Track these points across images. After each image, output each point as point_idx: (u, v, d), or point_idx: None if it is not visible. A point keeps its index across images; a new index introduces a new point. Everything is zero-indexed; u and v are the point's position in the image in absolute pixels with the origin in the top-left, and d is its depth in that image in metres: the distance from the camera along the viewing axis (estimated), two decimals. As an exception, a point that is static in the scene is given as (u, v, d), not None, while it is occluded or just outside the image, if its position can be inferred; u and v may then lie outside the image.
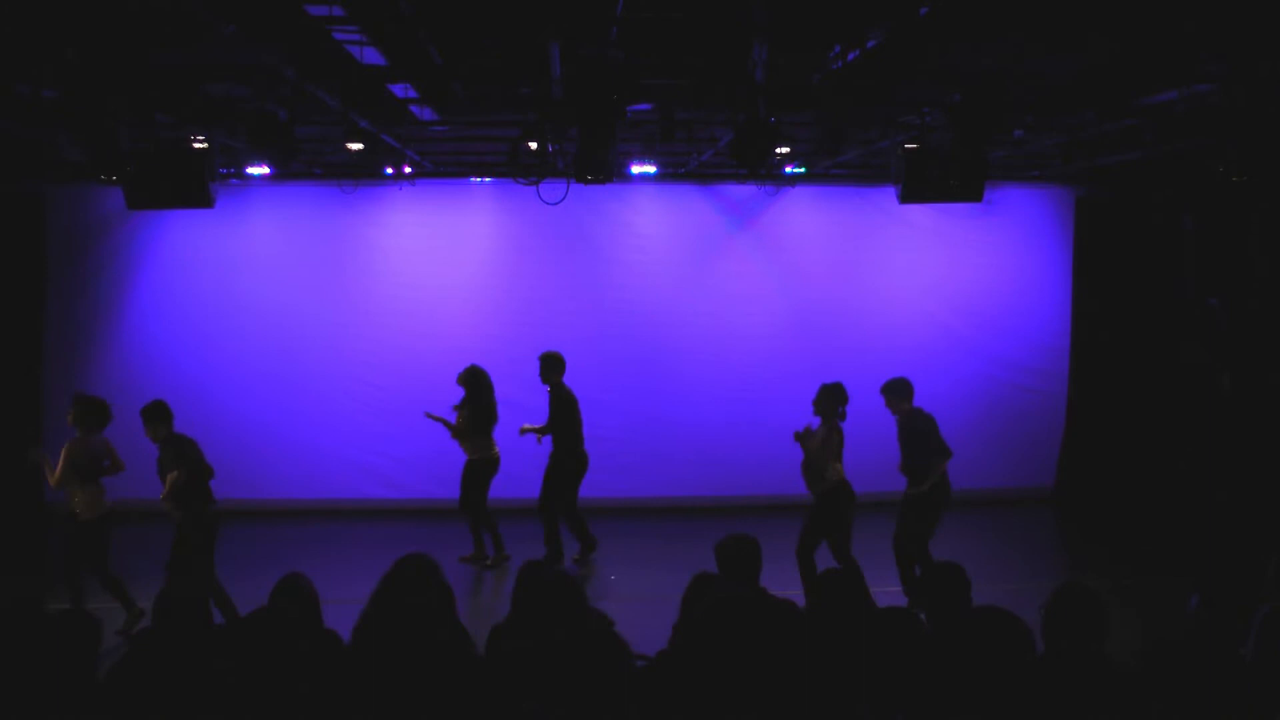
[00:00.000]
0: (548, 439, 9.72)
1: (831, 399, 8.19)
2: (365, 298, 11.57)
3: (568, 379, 9.69)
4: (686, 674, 3.76)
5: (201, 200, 7.84)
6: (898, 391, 8.30)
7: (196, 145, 8.14)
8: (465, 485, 9.71)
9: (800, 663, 3.77)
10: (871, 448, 9.58)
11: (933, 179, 8.01)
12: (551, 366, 9.60)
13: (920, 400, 8.40)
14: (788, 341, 11.75)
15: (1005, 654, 3.66)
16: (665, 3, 5.83)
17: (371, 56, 6.74)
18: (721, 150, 9.06)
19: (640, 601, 8.70)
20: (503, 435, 9.87)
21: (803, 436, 8.18)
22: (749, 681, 3.63)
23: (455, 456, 9.90)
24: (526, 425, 9.74)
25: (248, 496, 11.39)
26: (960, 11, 5.33)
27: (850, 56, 6.23)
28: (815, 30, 6.21)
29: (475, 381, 9.68)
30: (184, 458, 7.61)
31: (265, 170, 10.18)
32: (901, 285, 11.84)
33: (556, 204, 8.69)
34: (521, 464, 10.17)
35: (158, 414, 7.72)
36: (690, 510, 11.34)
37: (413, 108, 8.28)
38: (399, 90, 7.76)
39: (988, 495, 11.64)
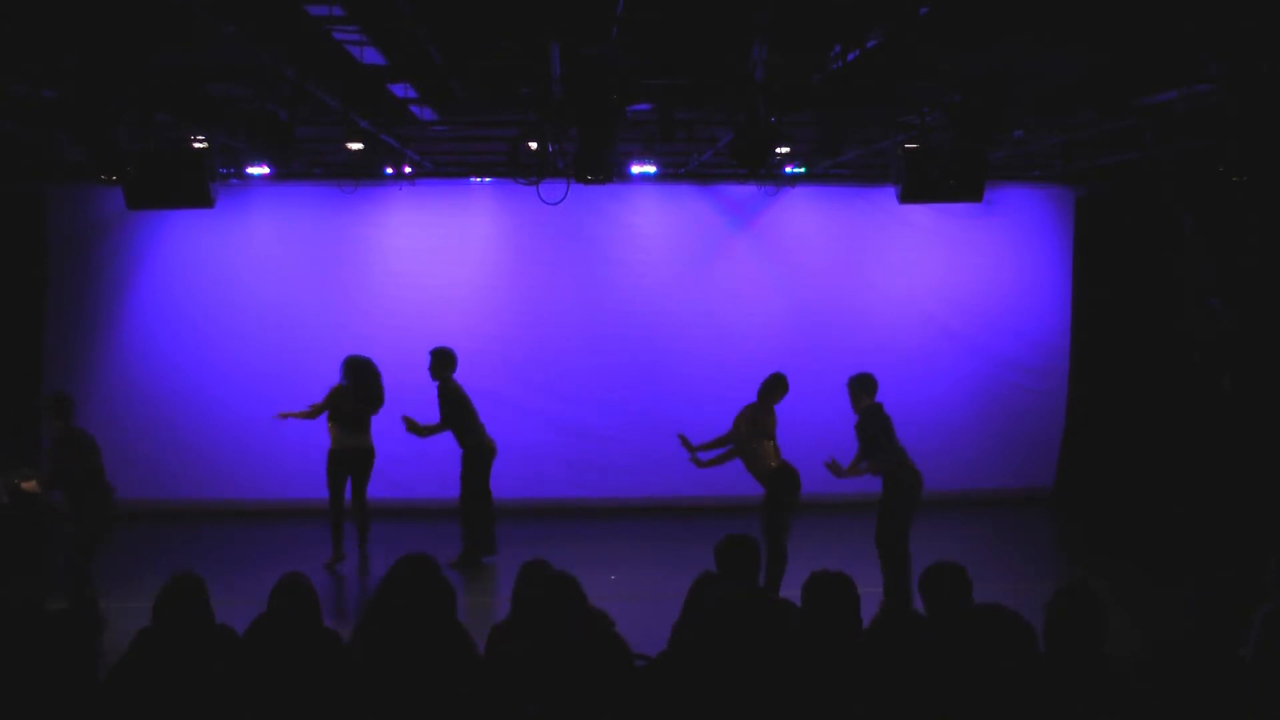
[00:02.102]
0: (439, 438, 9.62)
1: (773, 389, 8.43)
2: (365, 298, 11.56)
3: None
4: (687, 674, 3.77)
5: (201, 200, 7.84)
6: (863, 385, 8.26)
7: (196, 145, 8.14)
8: (358, 481, 9.64)
9: (799, 662, 3.77)
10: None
11: (933, 179, 8.01)
12: (442, 363, 9.52)
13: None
14: (788, 341, 11.73)
15: (1007, 653, 3.66)
16: (665, 3, 5.83)
17: (371, 56, 6.74)
18: (721, 150, 9.06)
19: (640, 601, 8.70)
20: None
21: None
22: (749, 681, 3.63)
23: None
24: (413, 423, 9.54)
25: (248, 497, 11.40)
26: (960, 12, 5.33)
27: (850, 56, 6.22)
28: (815, 30, 6.21)
29: (360, 371, 9.62)
30: (88, 455, 7.48)
31: (265, 170, 10.18)
32: (901, 285, 11.83)
33: (556, 204, 8.69)
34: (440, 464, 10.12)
35: (60, 406, 7.58)
36: (690, 510, 11.33)
37: (413, 108, 8.28)
38: (399, 90, 7.76)
39: (988, 495, 11.63)
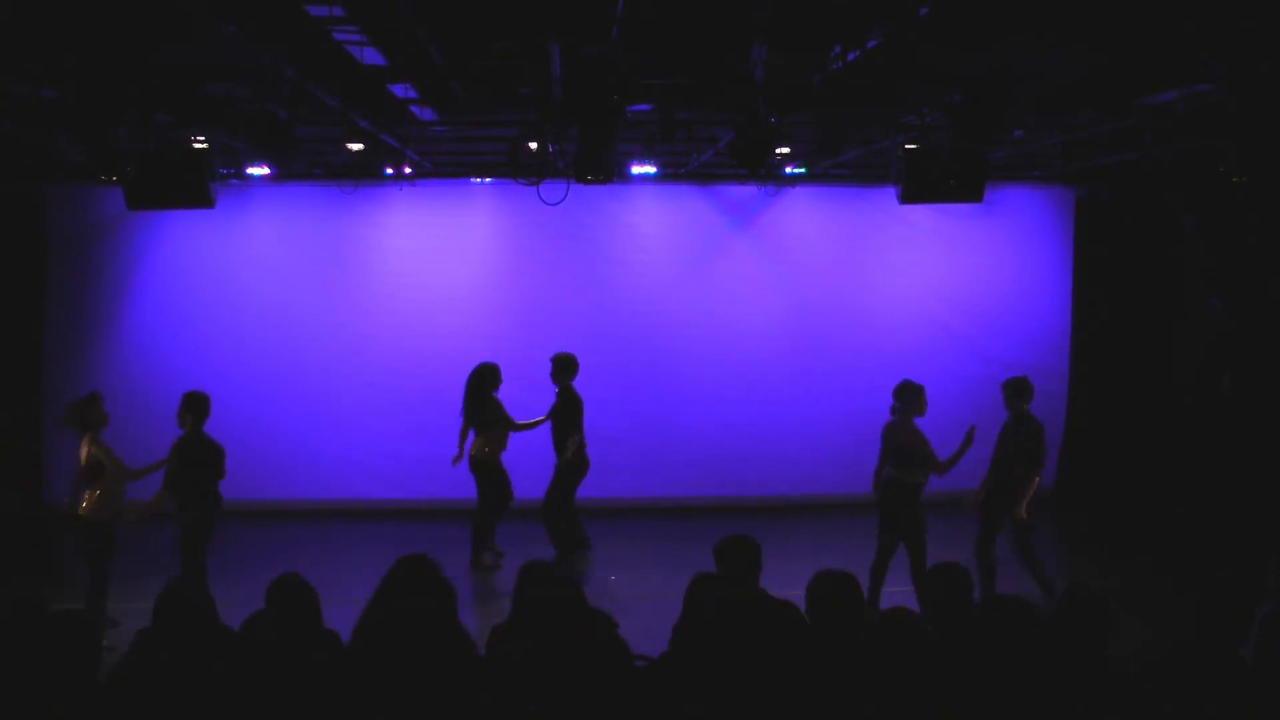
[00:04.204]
0: (545, 440, 9.67)
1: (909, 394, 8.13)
2: (365, 298, 11.57)
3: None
4: (687, 675, 3.77)
5: (201, 200, 7.84)
6: (1018, 390, 8.13)
7: (196, 145, 8.14)
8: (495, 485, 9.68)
9: (801, 663, 3.77)
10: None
11: (933, 179, 8.00)
12: (564, 368, 9.55)
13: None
14: (788, 341, 11.75)
15: (1009, 653, 3.66)
16: (665, 3, 5.83)
17: (371, 56, 6.74)
18: (721, 150, 9.06)
19: (640, 601, 8.69)
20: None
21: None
22: (750, 682, 3.63)
23: (450, 459, 9.86)
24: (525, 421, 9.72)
25: (248, 497, 11.36)
26: (960, 12, 5.33)
27: (850, 56, 6.22)
28: (815, 30, 6.21)
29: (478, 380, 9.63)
30: (212, 458, 7.64)
31: (265, 170, 10.18)
32: (902, 285, 11.84)
33: (556, 204, 8.69)
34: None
35: (197, 405, 7.73)
36: (691, 510, 11.34)
37: (413, 108, 8.28)
38: (399, 90, 7.76)
39: (988, 495, 11.63)
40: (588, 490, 10.60)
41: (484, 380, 9.60)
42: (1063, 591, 3.87)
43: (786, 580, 5.05)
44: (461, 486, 10.50)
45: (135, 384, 11.16)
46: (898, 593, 8.05)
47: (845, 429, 11.65)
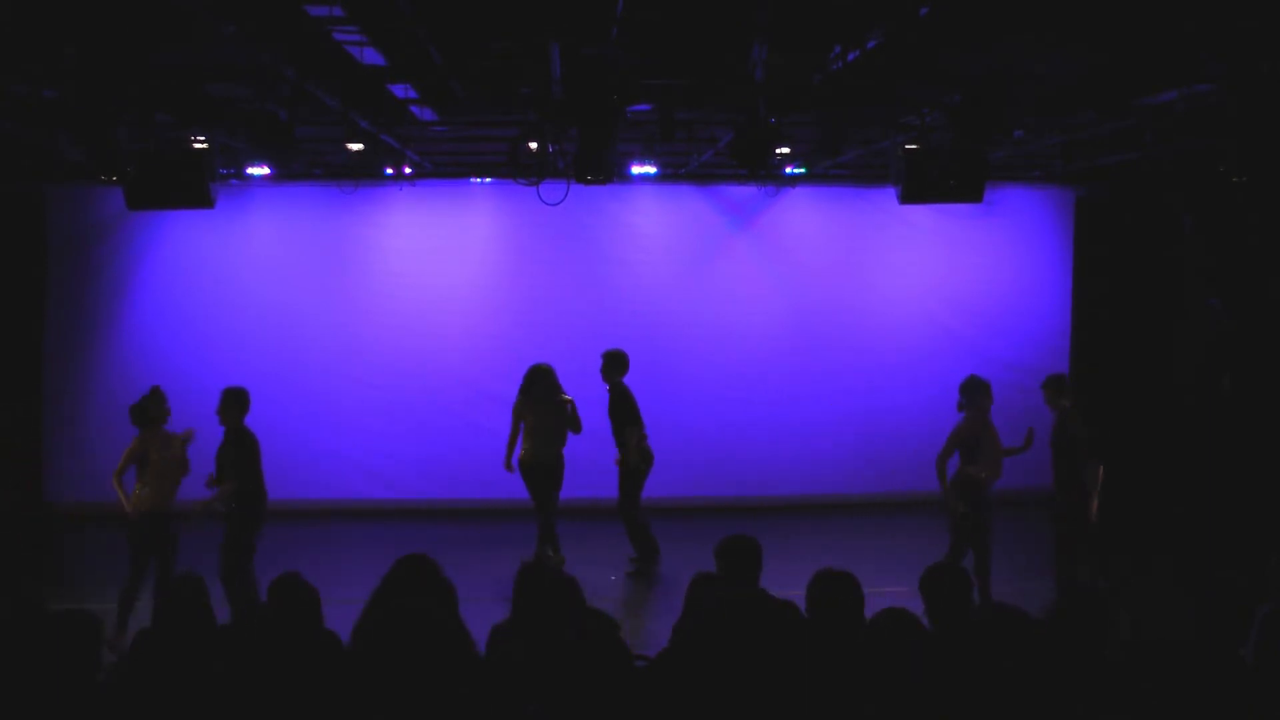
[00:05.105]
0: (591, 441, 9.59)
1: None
2: (365, 298, 11.57)
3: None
4: (687, 675, 3.76)
5: (201, 200, 7.84)
6: (1057, 387, 8.06)
7: (196, 145, 8.13)
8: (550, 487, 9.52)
9: (801, 664, 3.76)
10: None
11: (933, 179, 8.00)
12: (615, 365, 9.49)
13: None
14: (788, 341, 11.75)
15: (1009, 654, 3.66)
16: (665, 3, 5.83)
17: (371, 56, 6.75)
18: (721, 150, 9.06)
19: (640, 601, 8.71)
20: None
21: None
22: (750, 682, 3.63)
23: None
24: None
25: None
26: (960, 12, 5.33)
27: (850, 56, 6.23)
28: (815, 30, 6.21)
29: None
30: (242, 462, 7.58)
31: (265, 170, 10.17)
32: (902, 285, 11.84)
33: (556, 204, 8.69)
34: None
35: (239, 401, 7.70)
36: (691, 510, 11.33)
37: (413, 108, 8.29)
38: (399, 90, 7.76)
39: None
40: (587, 491, 10.65)
41: (528, 380, 9.41)
42: (1065, 593, 3.87)
43: (786, 580, 5.05)
44: (460, 487, 10.51)
45: (135, 384, 11.07)
46: (899, 593, 8.05)
47: (845, 429, 11.66)
